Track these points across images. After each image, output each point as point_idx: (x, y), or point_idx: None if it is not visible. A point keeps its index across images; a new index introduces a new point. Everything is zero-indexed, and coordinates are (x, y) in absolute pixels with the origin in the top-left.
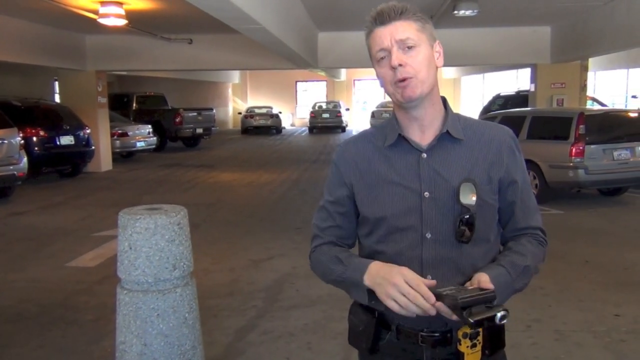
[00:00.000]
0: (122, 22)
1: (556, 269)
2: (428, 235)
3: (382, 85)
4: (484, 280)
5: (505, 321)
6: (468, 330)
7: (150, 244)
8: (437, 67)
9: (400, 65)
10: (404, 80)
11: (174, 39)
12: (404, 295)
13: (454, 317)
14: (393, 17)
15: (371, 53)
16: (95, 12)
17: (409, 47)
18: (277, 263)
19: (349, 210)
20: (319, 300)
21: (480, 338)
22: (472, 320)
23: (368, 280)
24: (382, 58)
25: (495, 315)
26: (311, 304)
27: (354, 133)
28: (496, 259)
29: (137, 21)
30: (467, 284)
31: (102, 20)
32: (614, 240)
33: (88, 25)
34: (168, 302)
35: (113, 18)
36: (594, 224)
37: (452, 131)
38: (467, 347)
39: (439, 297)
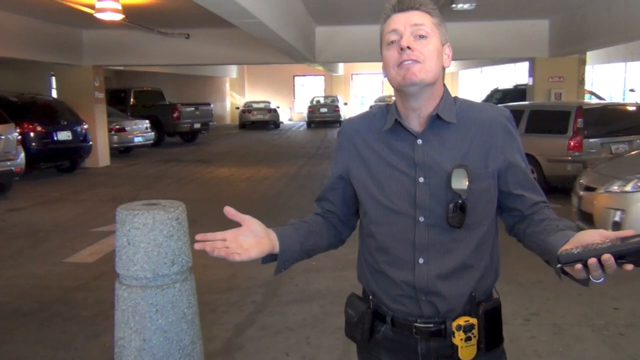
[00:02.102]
0: (119, 16)
1: None
2: (421, 219)
3: (384, 70)
4: (620, 232)
5: None
6: (462, 323)
7: (148, 239)
8: (443, 67)
9: (409, 48)
10: (409, 61)
11: (171, 34)
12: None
13: (629, 266)
14: (412, 6)
15: (382, 37)
16: (92, 7)
17: (422, 36)
18: None
19: (341, 189)
20: (318, 295)
21: (475, 331)
22: None
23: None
24: (392, 41)
25: None
26: (310, 299)
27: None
28: (546, 230)
29: (134, 16)
30: (567, 245)
31: (99, 15)
32: None
33: (85, 20)
34: (167, 298)
35: (110, 12)
36: None
37: (443, 114)
38: (461, 339)
39: (593, 251)
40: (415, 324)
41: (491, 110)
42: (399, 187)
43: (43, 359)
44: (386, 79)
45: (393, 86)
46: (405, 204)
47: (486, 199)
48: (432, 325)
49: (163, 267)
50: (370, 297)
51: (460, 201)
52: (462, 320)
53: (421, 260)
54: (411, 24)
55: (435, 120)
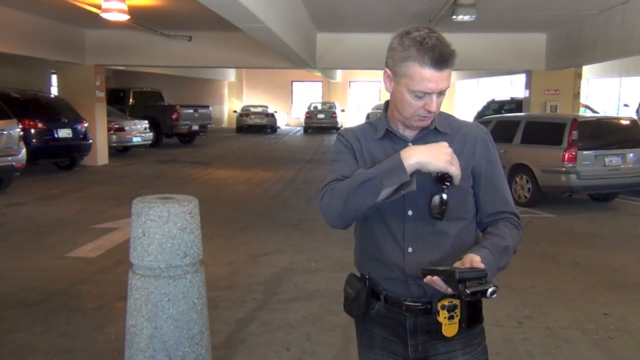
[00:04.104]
0: (125, 17)
1: (547, 270)
2: (409, 213)
3: (398, 105)
4: (476, 260)
5: (495, 296)
6: (446, 303)
7: (163, 231)
8: None
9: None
10: (428, 115)
11: (174, 36)
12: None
13: (449, 291)
14: (445, 66)
15: (406, 80)
16: (98, 7)
17: (440, 93)
18: (274, 258)
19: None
20: (317, 295)
21: (457, 311)
22: (468, 291)
23: (412, 159)
24: (419, 97)
25: (487, 289)
26: (309, 297)
27: None
28: (480, 241)
29: (138, 17)
30: (458, 263)
31: (104, 15)
32: (603, 244)
33: (88, 19)
34: (178, 288)
35: (115, 13)
36: (584, 227)
37: (440, 127)
38: (445, 318)
39: (434, 272)
40: (405, 303)
41: (473, 125)
42: None
43: (50, 348)
44: (399, 107)
45: (402, 119)
46: (396, 199)
47: (464, 196)
48: (420, 304)
49: (176, 258)
50: (367, 276)
51: (444, 195)
52: (446, 301)
53: (410, 250)
54: (438, 90)
55: (431, 130)
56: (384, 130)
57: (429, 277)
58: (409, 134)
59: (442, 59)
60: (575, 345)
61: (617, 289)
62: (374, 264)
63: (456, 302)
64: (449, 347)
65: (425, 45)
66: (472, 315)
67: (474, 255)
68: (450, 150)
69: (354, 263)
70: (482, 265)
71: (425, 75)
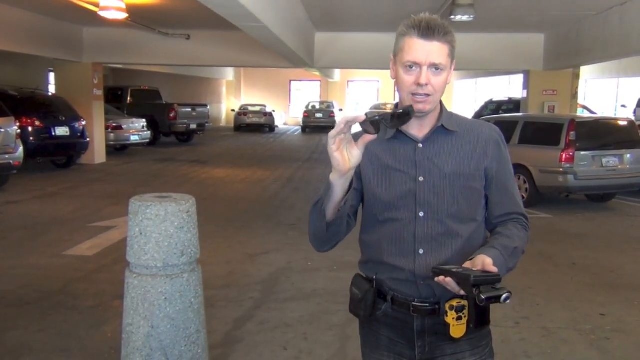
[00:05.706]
0: (123, 15)
1: (544, 270)
2: (421, 214)
3: (398, 88)
4: (488, 263)
5: (508, 301)
6: (455, 303)
7: (160, 230)
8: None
9: (426, 84)
10: (422, 95)
11: (172, 34)
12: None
13: (461, 292)
14: (436, 36)
15: (400, 55)
16: (96, 5)
17: (437, 69)
18: (272, 257)
19: (357, 188)
20: (314, 294)
21: (465, 312)
22: (483, 297)
23: (332, 177)
24: (410, 67)
25: (501, 295)
26: (306, 297)
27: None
28: (488, 242)
29: (137, 15)
30: (468, 263)
31: (102, 13)
32: (600, 244)
33: (86, 17)
34: (175, 287)
35: (114, 11)
36: (582, 228)
37: (447, 125)
38: (453, 318)
39: (446, 273)
40: (413, 304)
41: (485, 126)
42: (402, 185)
43: (46, 346)
44: (398, 91)
45: (403, 104)
46: (407, 201)
47: (477, 197)
48: (427, 305)
49: (173, 257)
50: (374, 277)
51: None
52: (454, 302)
53: (421, 251)
54: (430, 62)
55: (438, 128)
56: (394, 130)
57: (441, 278)
58: (419, 133)
59: (428, 27)
60: (571, 346)
61: (614, 290)
62: (382, 266)
63: (464, 302)
64: (456, 349)
65: (415, 20)
66: (480, 316)
67: (486, 257)
68: (331, 145)
69: (359, 266)
70: (495, 269)
71: (413, 44)
